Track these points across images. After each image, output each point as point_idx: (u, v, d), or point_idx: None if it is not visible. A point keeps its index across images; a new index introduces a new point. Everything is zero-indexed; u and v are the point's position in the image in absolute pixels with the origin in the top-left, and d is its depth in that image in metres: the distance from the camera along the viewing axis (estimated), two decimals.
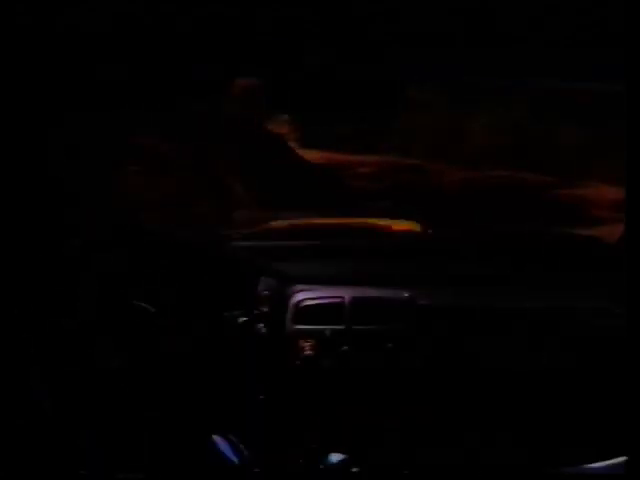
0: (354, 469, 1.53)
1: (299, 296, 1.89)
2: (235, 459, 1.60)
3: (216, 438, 1.61)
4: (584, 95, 2.10)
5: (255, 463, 1.63)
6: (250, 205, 2.53)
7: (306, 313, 1.86)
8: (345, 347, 1.84)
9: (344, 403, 1.83)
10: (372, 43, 1.43)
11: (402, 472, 1.63)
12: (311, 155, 2.74)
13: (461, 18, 1.36)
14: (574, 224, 2.45)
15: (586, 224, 2.44)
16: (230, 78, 1.53)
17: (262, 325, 1.85)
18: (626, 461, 1.11)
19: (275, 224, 2.18)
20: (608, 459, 1.29)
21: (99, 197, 1.65)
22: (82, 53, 1.45)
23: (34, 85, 1.37)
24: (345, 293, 1.87)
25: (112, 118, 1.66)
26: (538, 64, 1.52)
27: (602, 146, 2.53)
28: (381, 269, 2.03)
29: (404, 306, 1.86)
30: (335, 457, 1.55)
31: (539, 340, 1.83)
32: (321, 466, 1.53)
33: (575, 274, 1.96)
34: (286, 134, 2.66)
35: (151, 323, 1.55)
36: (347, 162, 2.70)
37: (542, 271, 1.99)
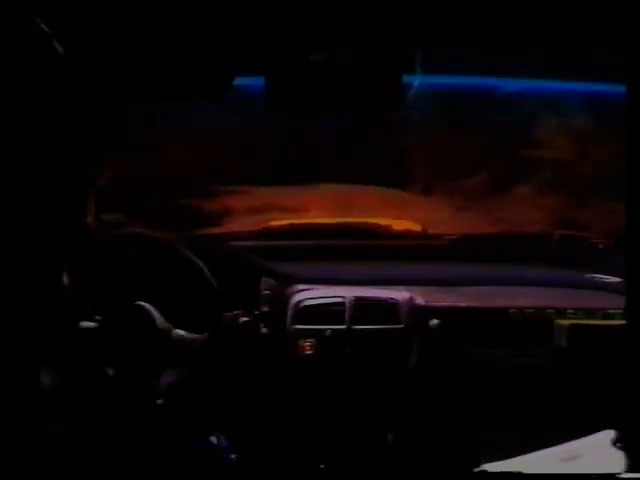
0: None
1: (299, 296, 1.90)
2: (232, 458, 1.60)
3: (213, 438, 1.61)
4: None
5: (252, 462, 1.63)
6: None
7: (306, 313, 1.86)
8: (345, 347, 1.84)
9: (343, 402, 1.84)
10: (372, 43, 1.43)
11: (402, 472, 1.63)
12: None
13: (461, 18, 1.37)
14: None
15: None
16: (230, 78, 1.53)
17: (262, 325, 1.85)
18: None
19: (275, 224, 2.18)
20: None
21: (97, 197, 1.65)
22: (81, 53, 1.45)
23: (34, 86, 1.37)
24: (345, 293, 1.87)
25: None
26: (538, 64, 1.53)
27: None
28: (381, 269, 2.03)
29: (404, 306, 1.86)
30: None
31: (535, 339, 1.83)
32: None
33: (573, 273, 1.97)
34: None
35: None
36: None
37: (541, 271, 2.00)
